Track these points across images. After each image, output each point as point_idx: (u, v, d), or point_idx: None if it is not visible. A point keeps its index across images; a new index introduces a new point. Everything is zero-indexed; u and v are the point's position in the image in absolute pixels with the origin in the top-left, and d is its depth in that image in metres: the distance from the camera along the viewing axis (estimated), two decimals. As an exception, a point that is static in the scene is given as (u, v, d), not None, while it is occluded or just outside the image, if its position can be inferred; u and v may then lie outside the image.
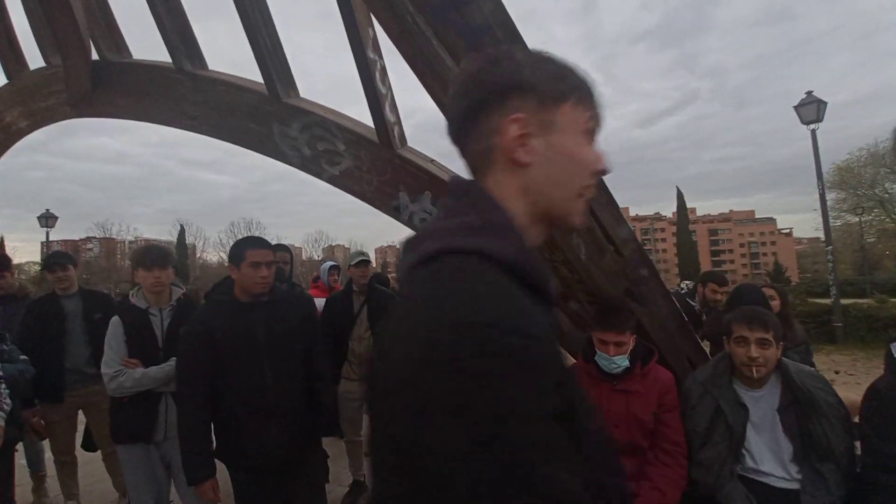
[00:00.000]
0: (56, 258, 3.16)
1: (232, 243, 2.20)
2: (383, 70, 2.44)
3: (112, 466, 3.02)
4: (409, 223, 2.47)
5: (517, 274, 0.53)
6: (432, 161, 2.53)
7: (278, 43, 2.67)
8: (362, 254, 3.66)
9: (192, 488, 2.02)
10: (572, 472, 0.45)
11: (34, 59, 3.74)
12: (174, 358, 2.25)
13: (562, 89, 0.61)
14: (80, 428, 3.13)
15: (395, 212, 2.49)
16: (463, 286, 0.50)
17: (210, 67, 3.01)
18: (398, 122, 2.52)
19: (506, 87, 0.61)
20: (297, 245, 55.77)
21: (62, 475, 3.07)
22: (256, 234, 43.88)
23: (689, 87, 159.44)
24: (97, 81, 3.03)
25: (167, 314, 2.43)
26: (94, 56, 3.06)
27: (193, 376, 2.01)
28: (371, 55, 2.34)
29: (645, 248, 2.59)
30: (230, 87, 2.83)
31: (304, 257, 49.49)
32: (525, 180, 0.61)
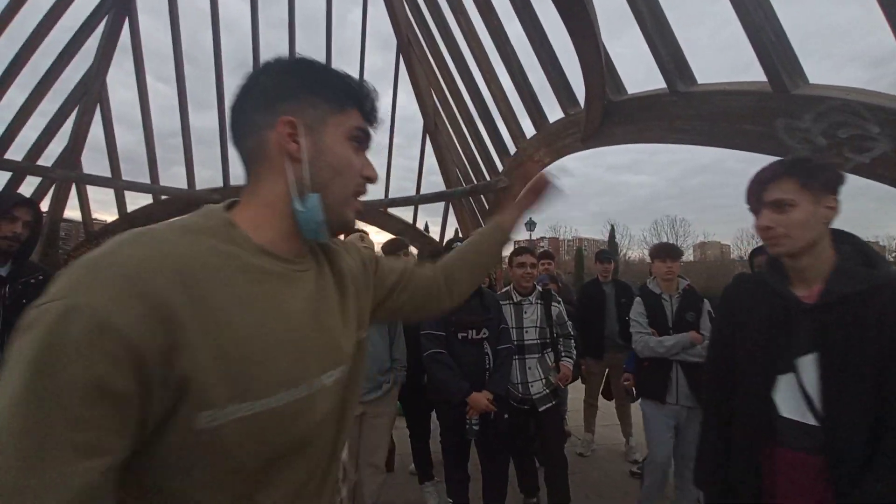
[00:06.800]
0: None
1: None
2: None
3: (622, 415, 3.94)
4: None
5: None
6: None
7: (782, 32, 2.59)
8: None
9: None
10: None
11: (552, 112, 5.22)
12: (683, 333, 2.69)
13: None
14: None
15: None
16: None
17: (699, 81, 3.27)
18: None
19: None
20: (724, 242, 50.12)
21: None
22: (680, 231, 42.96)
23: None
24: (603, 119, 3.91)
25: (675, 300, 2.85)
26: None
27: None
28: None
29: None
30: (724, 95, 2.98)
31: (733, 255, 43.64)
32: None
